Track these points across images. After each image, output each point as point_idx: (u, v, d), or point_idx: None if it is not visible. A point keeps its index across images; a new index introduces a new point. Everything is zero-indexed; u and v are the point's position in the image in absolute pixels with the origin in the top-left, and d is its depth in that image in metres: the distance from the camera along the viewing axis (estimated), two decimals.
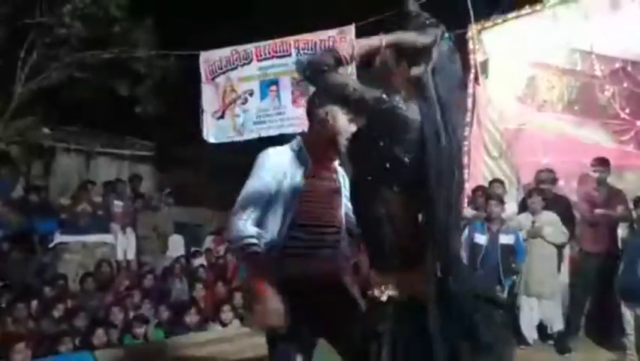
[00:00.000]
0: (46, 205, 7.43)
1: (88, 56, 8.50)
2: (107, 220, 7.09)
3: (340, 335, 2.08)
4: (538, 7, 5.83)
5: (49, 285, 5.72)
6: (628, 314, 4.48)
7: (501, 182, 5.52)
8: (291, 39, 7.30)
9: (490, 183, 5.52)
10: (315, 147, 2.13)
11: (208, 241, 7.73)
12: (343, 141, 2.03)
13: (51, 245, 6.67)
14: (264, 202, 2.06)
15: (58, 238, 6.67)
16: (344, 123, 2.06)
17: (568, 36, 5.60)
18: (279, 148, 2.17)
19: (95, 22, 8.15)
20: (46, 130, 8.81)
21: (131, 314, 5.25)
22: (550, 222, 4.97)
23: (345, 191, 2.19)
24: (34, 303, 5.26)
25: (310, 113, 2.17)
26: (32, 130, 8.50)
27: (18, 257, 6.17)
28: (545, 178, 5.27)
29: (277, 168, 2.08)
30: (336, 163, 2.23)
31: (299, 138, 2.18)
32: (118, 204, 7.37)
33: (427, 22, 1.63)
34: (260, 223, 2.07)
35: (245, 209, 2.05)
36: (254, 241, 2.02)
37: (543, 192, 5.14)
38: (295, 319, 1.99)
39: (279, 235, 2.06)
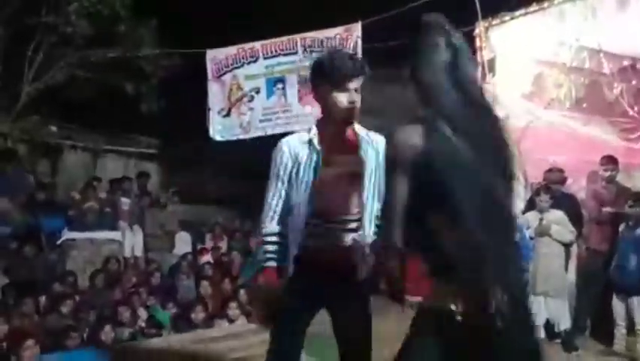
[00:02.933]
0: (54, 203, 7.47)
1: (94, 55, 8.54)
2: (115, 218, 7.13)
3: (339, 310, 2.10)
4: (545, 4, 5.79)
5: (58, 281, 5.76)
6: (619, 306, 4.66)
7: None
8: (297, 37, 7.30)
9: None
10: (328, 131, 2.10)
11: (207, 239, 7.72)
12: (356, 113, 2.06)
13: (59, 242, 6.70)
14: (285, 198, 2.09)
15: (66, 234, 6.71)
16: (347, 111, 2.04)
17: (575, 34, 5.56)
18: (292, 137, 2.15)
19: (100, 20, 8.19)
20: (53, 128, 8.86)
21: (139, 312, 5.28)
22: (558, 221, 4.95)
23: (374, 173, 2.11)
24: (43, 299, 5.30)
25: (318, 98, 2.13)
26: (39, 128, 8.55)
27: (26, 254, 6.20)
28: (555, 178, 5.24)
29: (290, 160, 2.08)
30: (361, 142, 2.13)
31: (314, 126, 2.15)
32: (125, 202, 7.41)
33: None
34: (284, 219, 2.10)
35: (268, 213, 2.09)
36: (272, 254, 2.07)
37: (551, 190, 5.11)
38: (296, 293, 2.02)
39: (298, 227, 2.06)
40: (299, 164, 2.06)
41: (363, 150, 2.10)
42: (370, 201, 2.10)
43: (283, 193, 2.08)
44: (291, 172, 2.07)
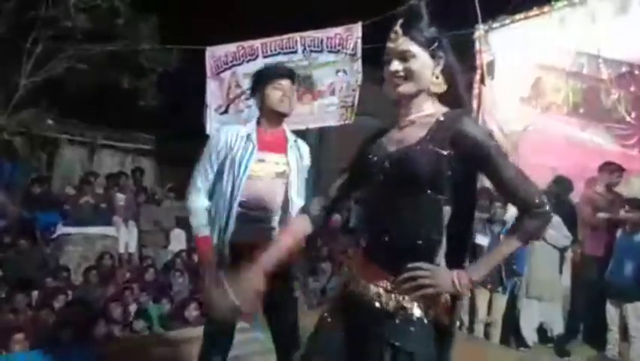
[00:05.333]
0: (49, 197, 7.44)
1: (92, 49, 8.51)
2: (110, 213, 7.10)
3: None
4: (546, 9, 5.80)
5: (52, 276, 5.73)
6: (612, 311, 4.70)
7: None
8: (297, 35, 7.28)
9: None
10: (264, 129, 2.37)
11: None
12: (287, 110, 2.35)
13: (53, 236, 6.67)
14: (212, 179, 2.32)
15: (61, 229, 6.68)
16: (279, 102, 2.33)
17: (575, 39, 5.57)
18: (232, 128, 2.37)
19: (99, 15, 8.16)
20: (50, 122, 8.82)
21: (131, 308, 5.26)
22: (554, 225, 4.95)
23: (297, 174, 2.41)
24: (35, 294, 5.27)
25: (256, 99, 2.42)
26: (36, 121, 8.51)
27: (20, 248, 6.17)
28: (561, 189, 5.24)
29: (224, 149, 2.30)
30: (289, 146, 2.43)
31: (254, 122, 2.40)
32: (120, 197, 7.38)
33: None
34: (210, 197, 2.33)
35: (193, 189, 2.32)
36: (203, 223, 2.28)
37: (548, 194, 5.10)
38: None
39: (225, 211, 2.28)
40: (233, 155, 2.28)
41: (290, 152, 2.41)
42: (295, 198, 2.38)
43: (210, 176, 2.31)
44: (223, 160, 2.29)
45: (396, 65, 1.50)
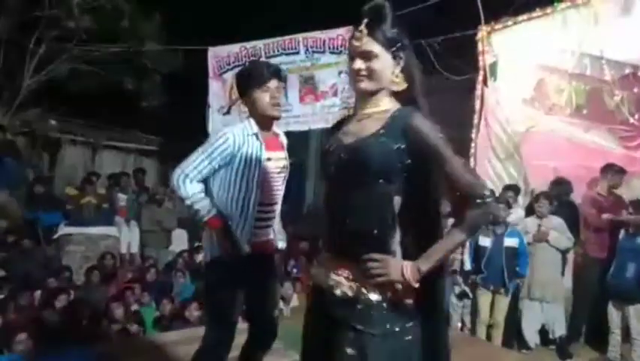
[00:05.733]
0: (52, 197, 7.45)
1: (96, 50, 8.53)
2: (112, 213, 7.10)
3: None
4: (548, 10, 5.78)
5: (54, 276, 5.74)
6: (614, 313, 4.71)
7: (515, 189, 5.49)
8: (299, 36, 7.29)
9: (505, 188, 5.48)
10: (261, 129, 2.38)
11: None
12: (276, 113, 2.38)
13: (55, 236, 6.68)
14: (207, 175, 2.32)
15: (63, 229, 6.69)
16: (270, 106, 2.35)
17: (578, 40, 5.55)
18: (237, 129, 2.35)
19: (103, 15, 8.18)
20: (52, 122, 8.84)
21: (133, 308, 5.26)
22: (557, 227, 4.95)
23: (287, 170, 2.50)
24: (37, 294, 5.28)
25: (246, 102, 2.45)
26: (39, 121, 8.53)
27: (23, 248, 6.18)
28: (562, 190, 5.24)
29: (231, 148, 2.29)
30: (283, 141, 2.51)
31: (252, 122, 2.40)
32: (122, 198, 7.39)
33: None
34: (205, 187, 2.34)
35: (186, 179, 2.29)
36: (210, 205, 2.30)
37: (550, 196, 5.11)
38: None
39: (240, 209, 2.31)
40: (243, 154, 2.29)
41: (286, 149, 2.49)
42: (284, 194, 2.49)
43: (205, 172, 2.29)
44: (229, 161, 2.28)
45: (359, 64, 1.58)
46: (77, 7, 7.99)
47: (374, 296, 1.55)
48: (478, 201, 1.50)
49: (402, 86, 1.61)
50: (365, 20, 1.57)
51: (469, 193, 1.51)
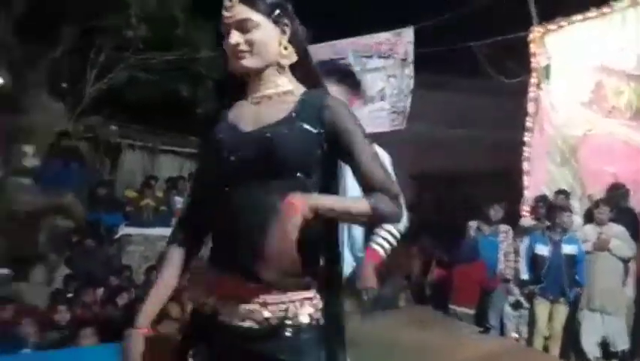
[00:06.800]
0: (113, 199, 7.80)
1: (152, 58, 8.85)
2: (169, 215, 7.37)
3: None
4: (605, 10, 5.61)
5: (115, 275, 6.02)
6: None
7: (565, 193, 5.36)
8: (347, 41, 7.33)
9: (556, 193, 5.36)
10: None
11: None
12: None
13: (116, 237, 7.00)
14: None
15: (123, 230, 7.00)
16: None
17: (637, 40, 5.37)
18: None
19: (159, 24, 8.47)
20: (113, 127, 9.24)
21: (187, 307, 5.45)
22: (618, 235, 4.76)
23: None
24: (99, 291, 5.56)
25: None
26: (100, 128, 8.94)
27: (86, 247, 6.52)
28: (619, 195, 5.07)
29: None
30: None
31: None
32: (179, 200, 7.65)
33: None
34: None
35: None
36: None
37: (610, 202, 4.93)
38: None
39: None
40: None
41: None
42: None
43: None
44: None
45: (236, 37, 1.31)
46: (135, 17, 8.30)
47: (304, 319, 1.28)
48: (393, 201, 1.29)
49: (292, 58, 1.36)
50: None
51: (382, 190, 1.28)
